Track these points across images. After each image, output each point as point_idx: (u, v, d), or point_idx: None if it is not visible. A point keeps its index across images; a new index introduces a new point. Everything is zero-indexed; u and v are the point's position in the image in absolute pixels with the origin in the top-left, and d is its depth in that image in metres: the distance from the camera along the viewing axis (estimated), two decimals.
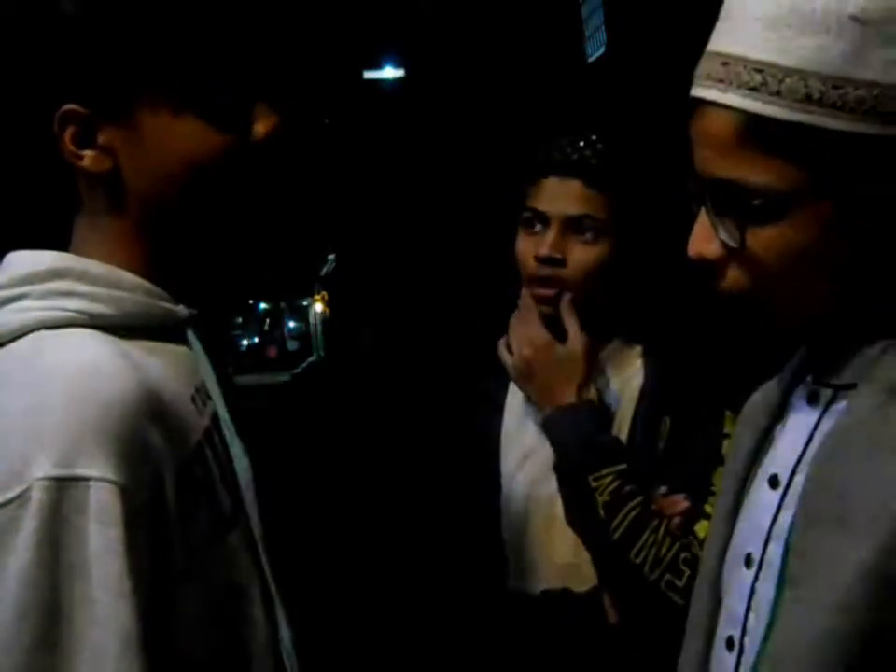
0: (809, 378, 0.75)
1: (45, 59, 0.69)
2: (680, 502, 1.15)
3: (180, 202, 0.73)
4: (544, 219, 1.21)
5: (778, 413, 0.79)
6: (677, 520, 1.13)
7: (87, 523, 0.60)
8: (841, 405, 0.70)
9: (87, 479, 0.60)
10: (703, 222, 0.71)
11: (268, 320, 31.42)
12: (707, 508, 1.13)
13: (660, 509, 1.14)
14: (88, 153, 0.70)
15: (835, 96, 0.63)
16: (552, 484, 1.24)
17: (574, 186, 1.20)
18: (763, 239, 0.67)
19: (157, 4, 0.71)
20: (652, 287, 1.35)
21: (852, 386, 0.70)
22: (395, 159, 11.98)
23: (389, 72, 13.90)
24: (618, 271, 1.22)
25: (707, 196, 0.70)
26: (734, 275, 0.70)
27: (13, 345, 0.67)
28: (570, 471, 1.16)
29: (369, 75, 13.68)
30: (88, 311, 0.69)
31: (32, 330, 0.68)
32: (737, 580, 0.78)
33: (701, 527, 1.14)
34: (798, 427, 0.75)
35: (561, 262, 1.19)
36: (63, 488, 0.59)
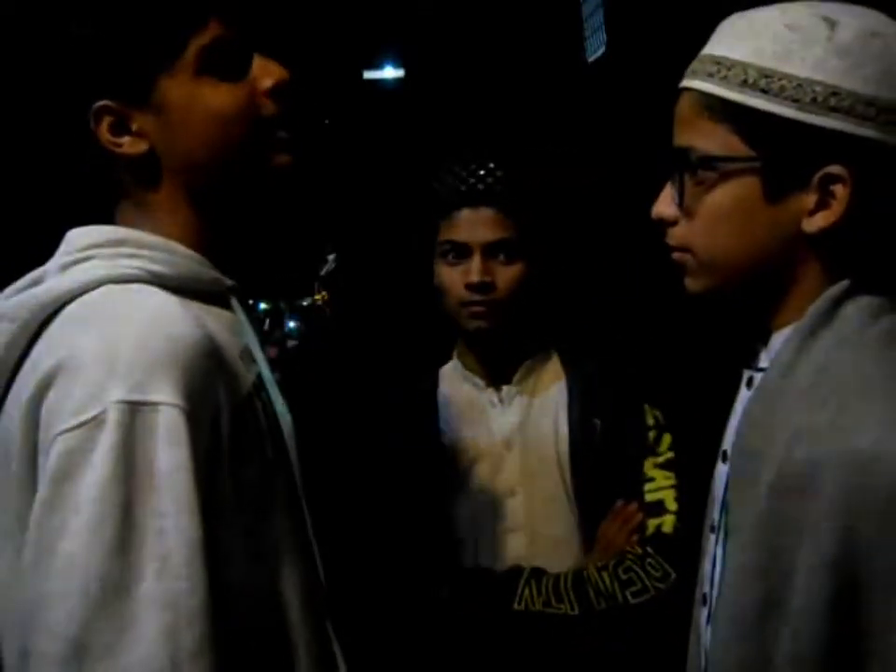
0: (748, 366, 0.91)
1: (72, 69, 0.79)
2: (632, 517, 1.28)
3: (212, 162, 0.81)
4: (465, 249, 1.29)
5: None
6: (634, 537, 1.27)
7: (156, 442, 0.65)
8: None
9: (156, 403, 0.66)
10: (667, 189, 0.88)
11: (268, 320, 31.38)
12: (647, 496, 1.28)
13: (620, 521, 1.26)
14: (125, 139, 0.79)
15: (764, 83, 0.81)
16: (500, 487, 1.30)
17: (487, 213, 1.28)
18: (700, 200, 0.85)
19: (153, 2, 0.79)
20: (564, 298, 1.46)
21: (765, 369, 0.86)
22: (395, 159, 11.99)
23: (389, 72, 13.91)
24: (534, 286, 1.31)
25: (672, 164, 0.87)
26: (680, 232, 0.87)
27: (85, 297, 0.74)
28: None
29: (369, 75, 13.68)
30: (149, 269, 0.76)
31: (100, 285, 0.74)
32: (707, 545, 0.91)
33: (662, 522, 1.28)
34: (739, 407, 0.91)
35: (491, 285, 1.28)
36: (136, 411, 0.65)
